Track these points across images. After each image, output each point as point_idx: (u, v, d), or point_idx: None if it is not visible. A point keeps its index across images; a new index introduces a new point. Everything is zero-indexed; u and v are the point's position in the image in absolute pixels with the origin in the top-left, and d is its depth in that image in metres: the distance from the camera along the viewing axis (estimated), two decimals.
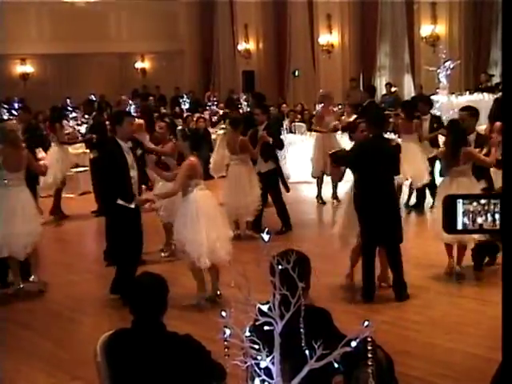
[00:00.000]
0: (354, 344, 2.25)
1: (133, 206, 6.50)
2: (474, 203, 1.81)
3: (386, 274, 6.75)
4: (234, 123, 9.10)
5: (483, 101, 12.06)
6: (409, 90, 18.59)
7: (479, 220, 1.82)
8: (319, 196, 11.18)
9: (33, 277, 7.28)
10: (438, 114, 10.93)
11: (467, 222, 1.83)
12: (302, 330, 2.52)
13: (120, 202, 6.44)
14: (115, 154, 6.50)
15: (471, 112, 7.49)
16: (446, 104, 12.71)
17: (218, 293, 6.52)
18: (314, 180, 12.89)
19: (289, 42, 21.10)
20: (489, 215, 1.82)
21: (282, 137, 11.95)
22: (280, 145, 9.60)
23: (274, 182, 9.24)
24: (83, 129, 14.04)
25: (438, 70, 13.66)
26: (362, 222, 6.57)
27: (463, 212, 1.81)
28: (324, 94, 11.33)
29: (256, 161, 9.17)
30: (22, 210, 6.97)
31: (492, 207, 1.81)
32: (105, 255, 8.04)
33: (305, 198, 11.98)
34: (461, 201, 1.81)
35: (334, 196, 10.92)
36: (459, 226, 1.82)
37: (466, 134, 7.08)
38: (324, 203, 11.00)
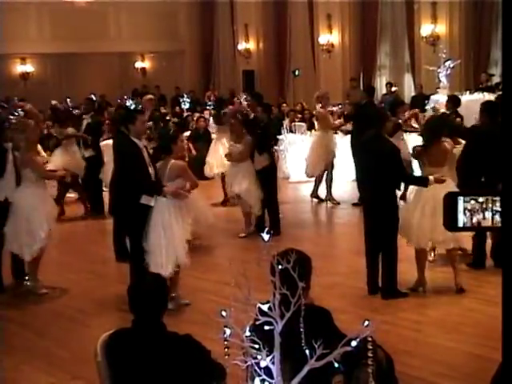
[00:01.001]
0: (354, 344, 2.25)
1: (152, 204, 6.51)
2: (473, 201, 1.81)
3: (422, 279, 6.74)
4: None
5: (483, 100, 12.05)
6: (409, 90, 18.61)
7: (477, 217, 1.83)
8: (316, 194, 11.18)
9: (27, 278, 7.27)
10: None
11: (467, 220, 1.83)
12: (302, 329, 2.51)
13: (144, 201, 6.44)
14: (134, 153, 6.48)
15: (481, 107, 7.54)
16: None
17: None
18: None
19: (289, 41, 21.10)
20: (487, 213, 1.82)
21: (281, 136, 12.01)
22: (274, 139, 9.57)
23: (268, 178, 9.20)
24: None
25: (438, 70, 13.64)
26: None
27: (464, 209, 1.82)
28: (321, 94, 11.32)
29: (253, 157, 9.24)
30: (28, 209, 6.99)
31: (490, 205, 1.81)
32: (118, 253, 7.98)
33: (304, 197, 11.99)
34: (462, 198, 1.81)
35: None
36: (460, 224, 1.82)
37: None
38: (335, 202, 10.98)
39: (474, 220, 1.82)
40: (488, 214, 1.82)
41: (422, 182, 6.46)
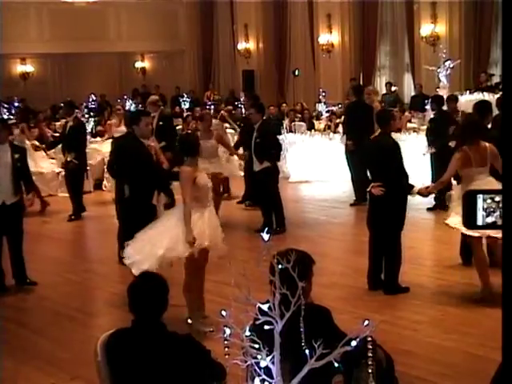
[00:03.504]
0: (354, 343, 2.25)
1: (155, 202, 6.50)
2: (489, 200, 1.81)
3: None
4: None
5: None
6: (409, 90, 18.63)
7: (494, 216, 1.81)
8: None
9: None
10: None
11: (484, 218, 1.82)
12: (302, 329, 2.51)
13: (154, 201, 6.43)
14: (143, 154, 6.53)
15: (475, 106, 7.56)
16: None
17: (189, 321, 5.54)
18: (314, 180, 12.93)
19: (289, 41, 21.11)
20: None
21: (280, 137, 11.98)
22: (276, 145, 9.50)
23: (270, 178, 9.20)
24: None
25: (438, 70, 13.66)
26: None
27: (482, 208, 1.81)
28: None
29: (251, 159, 9.25)
30: None
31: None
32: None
33: (304, 197, 12.00)
34: (481, 196, 1.81)
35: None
36: (479, 222, 1.81)
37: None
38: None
39: (491, 219, 1.81)
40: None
41: (408, 188, 6.52)
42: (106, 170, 12.37)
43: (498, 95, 10.77)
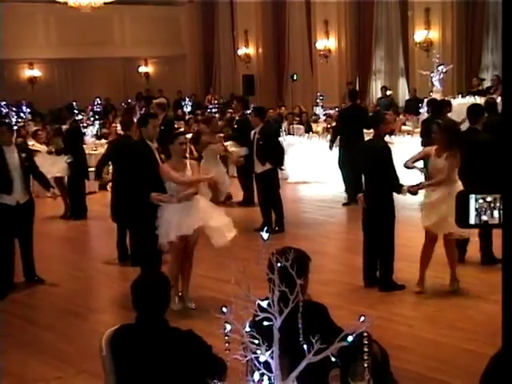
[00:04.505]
0: (350, 339, 2.31)
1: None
2: (481, 200, 1.86)
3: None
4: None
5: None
6: (403, 94, 18.78)
7: (485, 216, 1.86)
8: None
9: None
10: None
11: (476, 218, 1.87)
12: (300, 325, 2.57)
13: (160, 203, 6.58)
14: (148, 155, 6.64)
15: (468, 110, 7.71)
16: None
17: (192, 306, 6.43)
18: (312, 181, 13.02)
19: (287, 46, 21.21)
20: (495, 211, 1.87)
21: (280, 139, 12.13)
22: (277, 147, 9.61)
23: (270, 179, 9.32)
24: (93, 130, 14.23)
25: (432, 74, 13.79)
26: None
27: (475, 207, 1.86)
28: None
29: (253, 161, 9.37)
30: None
31: (498, 204, 1.86)
32: (121, 257, 8.15)
33: (303, 197, 12.08)
34: (473, 196, 1.86)
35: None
36: (471, 221, 1.86)
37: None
38: None
39: (483, 218, 1.86)
40: (495, 212, 1.86)
41: (397, 187, 6.67)
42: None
43: (486, 98, 10.94)
